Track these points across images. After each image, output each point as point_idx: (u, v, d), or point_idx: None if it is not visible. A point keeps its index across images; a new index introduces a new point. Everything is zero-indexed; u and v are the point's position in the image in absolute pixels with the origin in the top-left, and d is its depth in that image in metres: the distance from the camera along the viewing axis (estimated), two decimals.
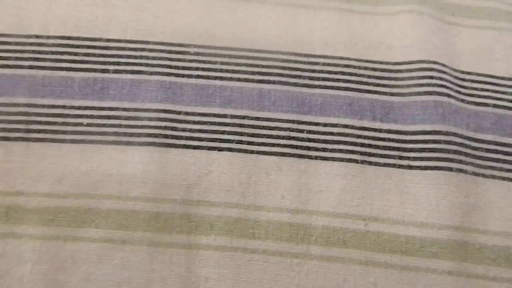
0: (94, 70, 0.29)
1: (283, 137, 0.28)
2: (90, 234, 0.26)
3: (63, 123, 0.28)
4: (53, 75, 0.29)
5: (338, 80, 0.30)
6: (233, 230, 0.27)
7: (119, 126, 0.28)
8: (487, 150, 0.28)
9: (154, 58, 0.30)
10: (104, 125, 0.28)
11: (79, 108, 0.29)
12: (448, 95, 0.29)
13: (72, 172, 0.27)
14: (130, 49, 0.30)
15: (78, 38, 0.30)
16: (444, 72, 0.30)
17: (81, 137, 0.28)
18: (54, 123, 0.28)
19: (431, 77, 0.29)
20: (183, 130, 0.28)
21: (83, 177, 0.27)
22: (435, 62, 0.30)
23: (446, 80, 0.30)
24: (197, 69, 0.30)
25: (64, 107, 0.29)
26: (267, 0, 0.32)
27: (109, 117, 0.28)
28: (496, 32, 0.32)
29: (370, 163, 0.28)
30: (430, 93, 0.29)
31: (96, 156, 0.27)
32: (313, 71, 0.30)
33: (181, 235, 0.26)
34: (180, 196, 0.27)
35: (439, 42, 0.31)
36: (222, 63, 0.30)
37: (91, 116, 0.28)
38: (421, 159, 0.28)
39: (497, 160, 0.28)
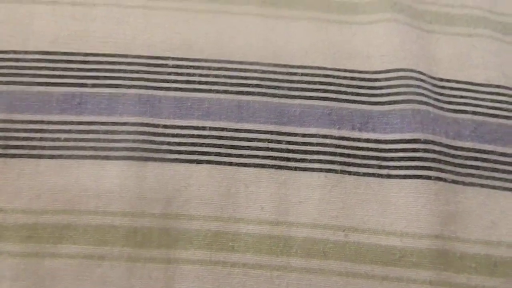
0: (73, 85, 0.29)
1: (262, 149, 0.28)
2: (69, 250, 0.26)
3: (41, 139, 0.28)
4: (31, 90, 0.29)
5: (317, 90, 0.30)
6: (212, 243, 0.26)
7: (97, 140, 0.28)
8: (466, 158, 0.28)
9: (132, 71, 0.30)
10: (82, 140, 0.28)
11: (57, 123, 0.28)
12: (427, 103, 0.29)
13: (50, 187, 0.27)
14: (108, 63, 0.30)
15: (56, 53, 0.30)
16: (422, 80, 0.30)
17: (59, 152, 0.28)
18: (32, 139, 0.28)
19: (409, 86, 0.29)
20: (162, 143, 0.28)
21: (61, 193, 0.27)
22: (412, 70, 0.30)
23: (424, 88, 0.30)
24: (175, 81, 0.30)
25: (42, 122, 0.28)
26: (246, 11, 0.32)
27: (87, 132, 0.28)
28: (474, 39, 0.32)
29: (350, 173, 0.28)
30: (408, 101, 0.29)
31: (74, 171, 0.27)
32: (292, 81, 0.30)
33: (159, 249, 0.26)
34: (158, 210, 0.27)
35: (417, 50, 0.31)
36: (201, 75, 0.30)
37: (69, 131, 0.28)
38: (400, 168, 0.28)
39: (477, 168, 0.28)
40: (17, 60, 0.30)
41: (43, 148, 0.28)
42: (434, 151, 0.28)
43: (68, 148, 0.28)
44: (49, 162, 0.28)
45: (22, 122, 0.28)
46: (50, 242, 0.26)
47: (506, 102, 0.30)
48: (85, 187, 0.27)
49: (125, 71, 0.30)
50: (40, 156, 0.28)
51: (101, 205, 0.27)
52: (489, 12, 0.33)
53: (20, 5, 0.31)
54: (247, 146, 0.28)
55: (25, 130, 0.28)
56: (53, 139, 0.28)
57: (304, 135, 0.28)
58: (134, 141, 0.28)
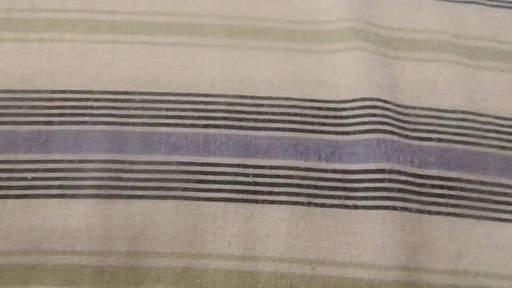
0: (39, 123, 0.29)
1: (229, 182, 0.28)
2: None
3: (7, 178, 0.28)
4: None
5: (283, 121, 0.30)
6: (180, 280, 0.26)
7: (64, 179, 0.28)
8: (432, 186, 0.28)
9: (98, 107, 0.30)
10: (48, 179, 0.28)
11: (23, 162, 0.28)
12: (392, 132, 0.29)
13: (17, 228, 0.27)
14: (74, 99, 0.30)
15: (22, 91, 0.30)
16: (386, 109, 0.30)
17: (26, 192, 0.28)
18: None
19: (374, 115, 0.29)
20: (129, 180, 0.28)
21: (28, 233, 0.27)
22: (377, 99, 0.30)
23: (389, 117, 0.30)
24: (142, 116, 0.30)
25: (8, 162, 0.28)
26: (212, 43, 0.32)
27: (53, 170, 0.28)
28: (440, 64, 0.32)
29: (316, 204, 0.28)
30: (373, 131, 0.29)
31: (40, 211, 0.27)
32: (259, 113, 0.30)
33: None
34: (125, 248, 0.27)
35: (382, 78, 0.31)
36: (168, 109, 0.30)
37: (35, 170, 0.28)
38: (367, 198, 0.28)
39: (443, 196, 0.28)
40: None
41: (10, 188, 0.28)
42: (399, 181, 0.28)
43: (35, 187, 0.28)
44: (15, 202, 0.27)
45: None
46: (17, 283, 0.26)
47: (472, 128, 0.30)
48: (52, 227, 0.27)
49: (91, 107, 0.30)
50: (6, 196, 0.28)
51: (68, 245, 0.27)
52: (455, 36, 0.33)
53: None
54: (214, 180, 0.28)
55: None
56: (20, 179, 0.28)
57: (271, 167, 0.28)
58: (101, 178, 0.28)
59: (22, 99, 0.30)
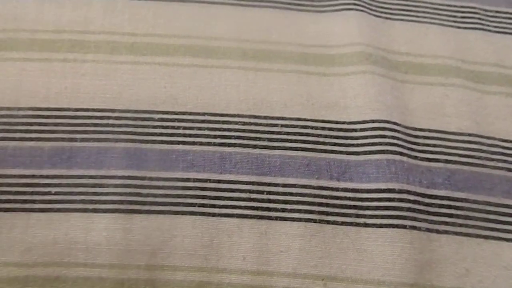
0: (62, 140, 0.31)
1: (244, 199, 0.29)
2: None
3: (32, 193, 0.29)
4: (23, 145, 0.30)
5: (296, 141, 0.31)
6: None
7: (86, 193, 0.29)
8: (440, 206, 0.29)
9: (119, 125, 0.31)
10: (71, 193, 0.29)
11: (47, 177, 0.30)
12: (401, 153, 0.30)
13: (41, 241, 0.28)
14: (97, 117, 0.31)
15: (47, 109, 0.31)
16: (396, 131, 0.31)
17: (49, 206, 0.29)
18: (23, 193, 0.29)
19: (384, 136, 0.31)
20: (147, 195, 0.29)
21: (51, 246, 0.28)
22: (387, 121, 0.31)
23: (398, 139, 0.31)
24: (161, 134, 0.31)
25: (33, 176, 0.30)
26: (227, 65, 0.33)
27: (76, 185, 0.29)
28: (447, 88, 0.33)
29: (328, 222, 0.29)
30: (383, 151, 0.30)
31: (63, 224, 0.28)
32: (272, 132, 0.31)
33: None
34: (144, 261, 0.28)
35: (391, 100, 0.32)
36: (185, 128, 0.31)
37: (59, 185, 0.29)
38: (377, 217, 0.29)
39: (450, 216, 0.29)
40: (10, 116, 0.31)
41: (34, 202, 0.29)
42: (408, 200, 0.29)
43: (58, 201, 0.29)
44: (39, 215, 0.29)
45: (14, 176, 0.29)
46: None
47: (479, 150, 0.31)
48: (74, 240, 0.28)
49: (112, 125, 0.31)
50: (31, 210, 0.29)
51: (90, 258, 0.28)
52: (461, 61, 0.34)
53: (12, 63, 0.33)
54: (230, 197, 0.29)
55: (17, 185, 0.29)
56: (44, 193, 0.29)
57: (284, 185, 0.30)
58: (121, 194, 0.29)
59: (47, 117, 0.31)
